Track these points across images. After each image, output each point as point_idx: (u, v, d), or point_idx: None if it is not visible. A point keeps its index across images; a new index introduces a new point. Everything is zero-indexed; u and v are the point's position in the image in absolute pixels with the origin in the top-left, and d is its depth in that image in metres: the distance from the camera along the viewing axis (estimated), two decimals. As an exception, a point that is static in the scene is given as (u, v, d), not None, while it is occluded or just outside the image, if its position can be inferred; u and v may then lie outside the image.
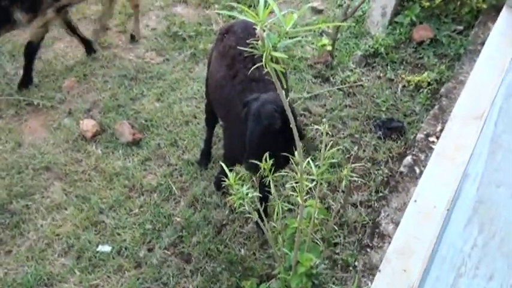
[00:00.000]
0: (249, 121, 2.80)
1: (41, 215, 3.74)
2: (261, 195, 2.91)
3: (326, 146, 2.22)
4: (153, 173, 4.08)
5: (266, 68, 1.51)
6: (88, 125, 4.31)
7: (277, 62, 1.56)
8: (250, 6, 5.79)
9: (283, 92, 1.74)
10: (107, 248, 3.54)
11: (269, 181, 2.45)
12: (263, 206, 3.61)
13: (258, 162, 2.38)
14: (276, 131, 2.77)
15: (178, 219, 3.76)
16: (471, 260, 1.45)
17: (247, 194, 2.24)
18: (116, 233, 3.64)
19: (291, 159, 2.24)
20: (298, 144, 1.97)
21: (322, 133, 2.15)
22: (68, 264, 3.45)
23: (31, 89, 4.72)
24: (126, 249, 3.54)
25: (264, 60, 1.48)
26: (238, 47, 3.16)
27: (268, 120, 2.74)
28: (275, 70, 1.53)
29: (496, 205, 1.52)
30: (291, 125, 1.93)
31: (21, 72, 4.82)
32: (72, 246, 3.56)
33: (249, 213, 2.40)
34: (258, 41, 1.47)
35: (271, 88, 3.07)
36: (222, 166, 3.54)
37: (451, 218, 1.57)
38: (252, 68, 1.90)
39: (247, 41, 1.58)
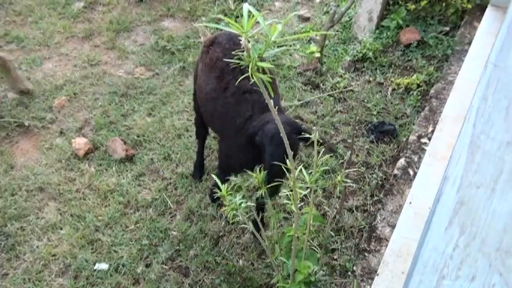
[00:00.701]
0: (268, 146, 2.77)
1: (36, 236, 3.71)
2: (254, 205, 2.91)
3: (318, 153, 2.22)
4: (148, 188, 4.07)
5: (253, 78, 1.51)
6: (80, 143, 4.30)
7: (264, 72, 1.56)
8: (237, 17, 5.83)
9: (272, 101, 1.74)
10: (104, 266, 3.52)
11: (264, 192, 2.45)
12: (260, 216, 3.62)
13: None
14: (296, 151, 2.81)
15: (174, 233, 3.74)
16: (453, 261, 1.46)
17: (240, 204, 2.23)
18: (112, 250, 3.63)
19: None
20: (289, 152, 1.97)
21: (318, 141, 2.15)
22: (66, 284, 3.43)
23: (21, 110, 4.70)
24: (123, 266, 3.53)
25: (250, 70, 1.49)
26: (225, 59, 3.17)
27: (290, 141, 2.72)
28: (262, 80, 1.53)
29: (476, 206, 1.53)
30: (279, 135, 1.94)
31: (10, 94, 4.82)
32: (69, 266, 3.54)
33: (244, 223, 2.39)
34: (243, 51, 1.48)
35: (264, 99, 3.07)
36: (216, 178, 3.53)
37: (433, 221, 1.58)
38: (240, 79, 1.89)
39: (233, 52, 1.59)
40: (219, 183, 2.23)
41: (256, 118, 3.02)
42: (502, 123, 1.79)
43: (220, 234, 3.75)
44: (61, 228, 3.77)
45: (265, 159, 2.79)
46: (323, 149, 2.35)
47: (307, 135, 2.32)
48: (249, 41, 1.47)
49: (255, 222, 2.70)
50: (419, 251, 1.60)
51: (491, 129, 1.78)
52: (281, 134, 2.42)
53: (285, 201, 2.49)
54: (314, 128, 4.35)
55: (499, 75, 1.94)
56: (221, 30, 5.61)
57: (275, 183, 2.57)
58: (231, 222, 3.66)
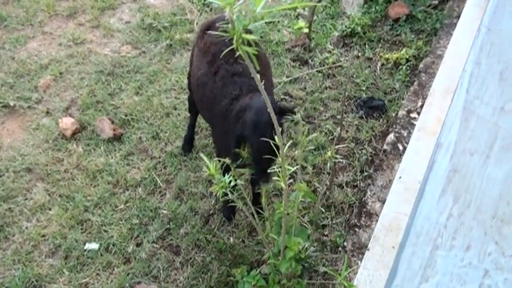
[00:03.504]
0: (251, 137, 2.63)
1: (25, 217, 3.68)
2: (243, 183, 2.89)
3: (303, 133, 2.20)
4: (137, 167, 4.04)
5: (238, 51, 1.48)
6: (67, 123, 4.25)
7: (249, 46, 1.53)
8: (224, -7, 5.73)
9: (258, 75, 1.71)
10: (94, 246, 3.51)
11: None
12: (254, 194, 3.62)
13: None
14: (283, 132, 2.68)
15: (164, 211, 3.73)
16: (447, 231, 1.44)
17: (229, 182, 2.22)
18: (102, 230, 3.61)
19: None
20: (278, 129, 1.95)
21: (307, 116, 2.13)
22: (56, 265, 3.42)
23: (6, 90, 4.63)
24: (114, 245, 3.52)
25: (235, 43, 1.45)
26: (219, 43, 3.11)
27: (270, 129, 2.65)
28: (247, 53, 1.50)
29: (471, 173, 1.51)
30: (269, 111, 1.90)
31: (-5, 74, 4.74)
32: (59, 246, 3.52)
33: (234, 201, 2.38)
34: (228, 24, 1.44)
35: (253, 82, 3.02)
36: (222, 201, 3.51)
37: (425, 190, 1.56)
38: (227, 50, 1.84)
39: (218, 24, 1.55)
40: (208, 162, 2.21)
41: (242, 99, 2.96)
42: (496, 88, 1.77)
43: (211, 212, 3.74)
44: (50, 209, 3.74)
45: (250, 150, 2.69)
46: (307, 127, 2.32)
47: (290, 116, 2.28)
48: (233, 14, 1.44)
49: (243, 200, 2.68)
50: (411, 222, 1.58)
51: (485, 94, 1.75)
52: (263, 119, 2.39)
53: (275, 178, 2.48)
54: (298, 106, 4.33)
55: (492, 39, 1.92)
56: (208, 5, 5.54)
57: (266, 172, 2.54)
58: (220, 200, 3.65)
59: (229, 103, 2.96)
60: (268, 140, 2.25)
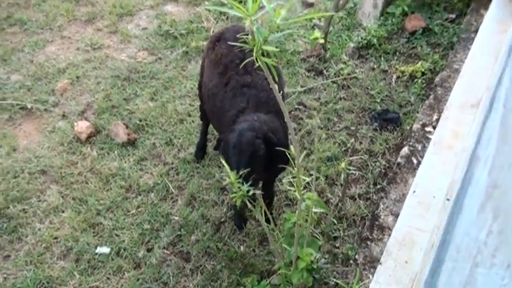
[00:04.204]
0: (231, 154, 2.70)
1: (38, 218, 3.71)
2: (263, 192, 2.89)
3: (320, 138, 2.20)
4: (150, 172, 4.06)
5: (257, 62, 1.48)
6: (82, 127, 4.29)
7: (268, 57, 1.54)
8: (240, 2, 5.75)
9: (276, 86, 1.71)
10: (105, 250, 3.52)
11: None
12: (264, 204, 3.61)
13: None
14: (259, 157, 2.71)
15: (176, 218, 3.74)
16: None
17: (248, 191, 2.22)
18: (114, 234, 3.62)
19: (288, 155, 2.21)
20: (294, 138, 1.95)
21: (319, 127, 2.13)
22: (67, 267, 3.43)
23: (24, 92, 4.68)
24: (124, 250, 3.52)
25: (254, 54, 1.46)
26: (230, 54, 3.14)
27: (252, 148, 2.68)
28: (267, 64, 1.51)
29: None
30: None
31: (13, 77, 4.80)
32: (70, 249, 3.54)
33: (250, 210, 2.38)
34: (247, 35, 1.45)
35: (262, 95, 3.04)
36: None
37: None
38: (245, 62, 1.86)
39: (238, 35, 1.56)
40: (229, 169, 2.21)
41: (249, 112, 2.97)
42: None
43: (222, 220, 3.74)
44: (63, 211, 3.76)
45: (230, 164, 2.70)
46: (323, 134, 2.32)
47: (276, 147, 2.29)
48: (253, 25, 1.45)
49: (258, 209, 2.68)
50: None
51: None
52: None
53: (288, 188, 2.47)
54: (315, 113, 4.33)
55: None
56: (225, 14, 5.57)
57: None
58: (238, 208, 3.64)
59: (235, 115, 2.98)
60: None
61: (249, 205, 2.34)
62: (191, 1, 5.92)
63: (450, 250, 1.44)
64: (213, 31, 5.40)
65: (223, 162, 2.46)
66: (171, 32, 5.42)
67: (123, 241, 3.57)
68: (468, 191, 1.53)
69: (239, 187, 2.20)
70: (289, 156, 2.12)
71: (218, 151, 3.69)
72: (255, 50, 1.45)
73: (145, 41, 5.35)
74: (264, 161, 2.76)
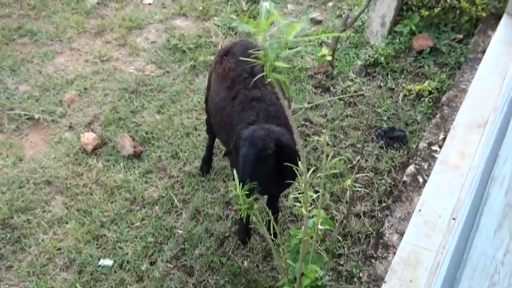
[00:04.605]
0: (241, 146, 2.72)
1: (42, 229, 3.71)
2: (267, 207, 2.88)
3: (328, 156, 2.20)
4: (155, 185, 4.06)
5: (269, 78, 1.49)
6: (89, 138, 4.30)
7: (278, 72, 1.54)
8: (250, 18, 5.80)
9: (286, 102, 1.72)
10: (108, 262, 3.51)
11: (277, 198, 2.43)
12: (270, 220, 3.60)
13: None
14: (269, 156, 2.72)
15: (180, 231, 3.73)
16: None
17: (252, 204, 2.22)
18: (117, 246, 3.61)
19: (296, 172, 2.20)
20: (302, 154, 1.95)
21: (323, 143, 2.12)
22: (70, 279, 3.42)
23: (32, 103, 4.71)
24: (128, 262, 3.51)
25: (266, 70, 1.47)
26: (238, 68, 3.16)
27: (262, 143, 2.69)
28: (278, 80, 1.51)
29: None
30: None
31: (22, 87, 4.84)
32: (73, 261, 3.53)
33: (254, 224, 2.37)
34: (260, 51, 1.46)
35: (271, 109, 3.05)
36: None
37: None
38: (256, 78, 1.87)
39: (249, 52, 1.57)
40: (237, 183, 2.20)
41: (259, 124, 2.98)
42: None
43: (226, 234, 3.73)
44: (67, 223, 3.76)
45: (239, 161, 2.75)
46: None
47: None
48: (266, 40, 1.45)
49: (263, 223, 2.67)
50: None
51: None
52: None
53: (293, 204, 2.47)
54: (324, 130, 4.33)
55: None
56: (234, 29, 5.61)
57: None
58: (244, 220, 3.63)
59: (245, 127, 2.98)
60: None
61: (254, 219, 2.33)
62: (200, 16, 5.96)
63: (466, 269, 1.42)
64: (221, 46, 5.44)
65: (232, 172, 2.45)
66: (180, 46, 5.46)
67: (127, 254, 3.56)
68: (484, 211, 1.52)
69: (244, 199, 2.19)
70: (296, 172, 2.12)
71: (227, 156, 3.69)
72: (266, 66, 1.45)
73: (153, 55, 5.39)
74: (272, 164, 2.76)
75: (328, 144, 2.18)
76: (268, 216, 3.31)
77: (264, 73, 1.48)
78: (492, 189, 1.53)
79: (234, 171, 2.46)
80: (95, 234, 3.69)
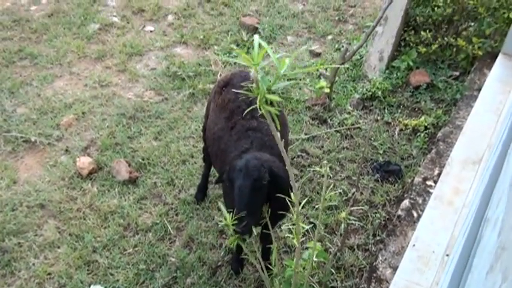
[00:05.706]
0: (236, 178, 2.71)
1: (33, 253, 3.68)
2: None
3: (328, 187, 2.20)
4: (149, 212, 4.04)
5: (261, 110, 1.51)
6: (84, 163, 4.30)
7: (272, 105, 1.56)
8: (249, 48, 5.88)
9: (278, 134, 1.73)
10: (99, 289, 3.47)
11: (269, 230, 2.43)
12: (262, 250, 3.58)
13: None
14: (264, 186, 2.72)
15: (173, 259, 3.70)
16: None
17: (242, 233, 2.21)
18: (109, 273, 3.58)
19: (289, 203, 2.21)
20: (294, 185, 1.96)
21: (322, 175, 2.13)
22: (59, 305, 3.38)
23: (29, 125, 4.72)
24: (118, 290, 3.48)
25: (258, 102, 1.49)
26: (237, 100, 3.19)
27: (257, 173, 2.70)
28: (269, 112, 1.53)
29: None
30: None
31: (20, 110, 4.86)
32: (63, 286, 3.49)
33: (246, 254, 2.36)
34: (253, 83, 1.48)
35: (266, 139, 3.07)
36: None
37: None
38: (249, 110, 1.89)
39: (242, 84, 1.59)
40: (225, 211, 2.21)
41: (252, 152, 2.99)
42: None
43: (219, 264, 3.70)
44: (59, 247, 3.73)
45: (234, 193, 2.73)
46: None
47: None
48: (258, 73, 1.48)
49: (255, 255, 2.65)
50: None
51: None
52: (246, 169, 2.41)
53: (287, 235, 2.46)
54: (324, 162, 4.33)
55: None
56: (232, 59, 5.66)
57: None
58: (231, 253, 3.61)
59: (238, 155, 2.99)
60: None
61: (245, 250, 2.32)
62: (200, 44, 6.03)
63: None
64: (220, 75, 5.48)
65: (221, 204, 2.45)
66: (179, 73, 5.50)
67: (118, 280, 3.52)
68: (477, 252, 1.51)
69: (234, 229, 2.19)
70: (289, 203, 2.13)
71: (219, 183, 3.67)
72: (258, 99, 1.47)
73: (153, 81, 5.43)
74: (266, 193, 2.75)
75: (327, 176, 2.19)
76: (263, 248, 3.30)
77: (257, 105, 1.50)
78: (485, 231, 1.53)
79: (220, 204, 2.47)
80: (87, 259, 3.66)
